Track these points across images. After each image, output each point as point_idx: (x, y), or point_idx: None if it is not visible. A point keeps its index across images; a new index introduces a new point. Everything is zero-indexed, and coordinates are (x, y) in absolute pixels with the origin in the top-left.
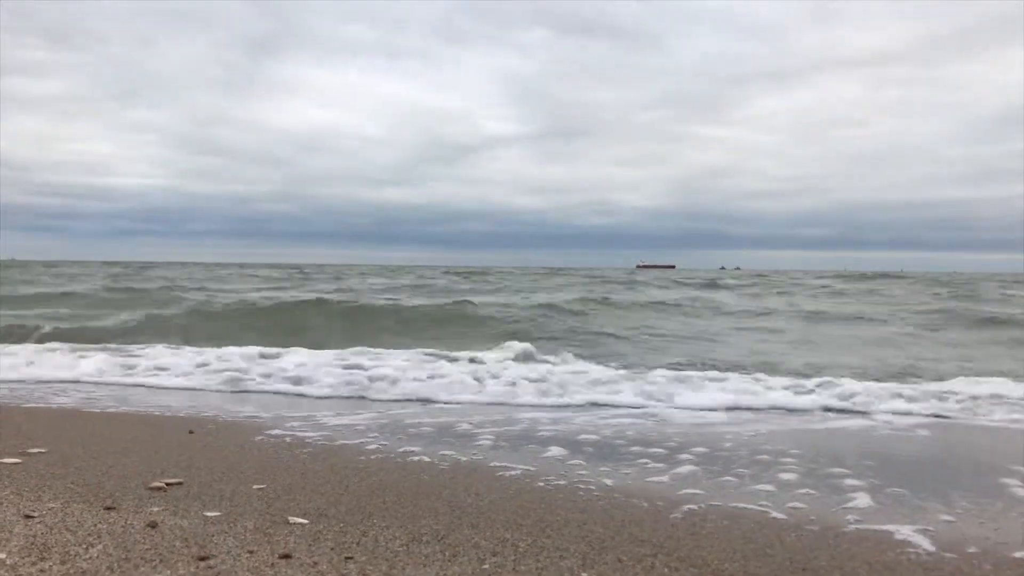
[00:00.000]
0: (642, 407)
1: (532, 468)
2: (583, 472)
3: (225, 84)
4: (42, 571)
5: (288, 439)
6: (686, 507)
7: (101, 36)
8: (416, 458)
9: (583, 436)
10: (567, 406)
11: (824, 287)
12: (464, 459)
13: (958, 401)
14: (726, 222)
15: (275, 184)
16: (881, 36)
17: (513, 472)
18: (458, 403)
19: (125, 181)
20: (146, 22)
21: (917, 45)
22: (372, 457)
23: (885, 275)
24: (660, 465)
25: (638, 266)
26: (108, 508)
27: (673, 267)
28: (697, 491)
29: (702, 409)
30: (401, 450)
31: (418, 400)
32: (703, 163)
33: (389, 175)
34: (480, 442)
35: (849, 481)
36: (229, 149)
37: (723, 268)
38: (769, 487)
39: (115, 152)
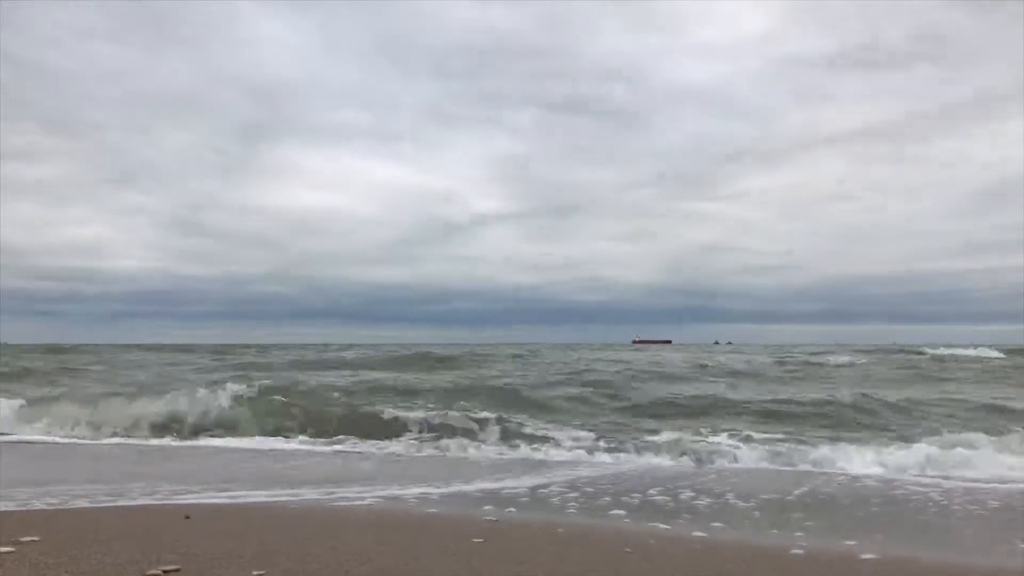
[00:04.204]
0: None
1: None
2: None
3: (218, 169)
4: None
5: (288, 522)
6: None
7: (96, 123)
8: (420, 543)
9: None
10: None
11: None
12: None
13: None
14: (718, 297)
15: (268, 265)
16: (866, 114)
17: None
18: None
19: (120, 264)
20: (141, 110)
21: (902, 122)
22: (373, 540)
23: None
24: None
25: (634, 341)
26: None
27: (670, 342)
28: None
29: None
30: (403, 536)
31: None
32: (694, 239)
33: (381, 255)
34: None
35: None
36: (223, 232)
37: (717, 343)
38: None
39: (110, 236)
